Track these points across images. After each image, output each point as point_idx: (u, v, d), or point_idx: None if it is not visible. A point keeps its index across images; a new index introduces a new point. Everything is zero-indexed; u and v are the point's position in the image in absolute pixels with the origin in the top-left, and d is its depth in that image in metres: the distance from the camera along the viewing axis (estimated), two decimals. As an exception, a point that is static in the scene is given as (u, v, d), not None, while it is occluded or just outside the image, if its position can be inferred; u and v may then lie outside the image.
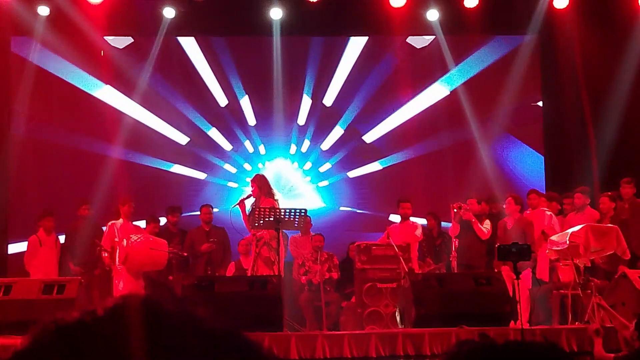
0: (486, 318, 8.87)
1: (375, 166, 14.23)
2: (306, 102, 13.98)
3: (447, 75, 14.20)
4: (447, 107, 14.21)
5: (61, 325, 1.30)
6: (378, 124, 14.25)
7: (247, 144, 14.00)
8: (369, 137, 14.25)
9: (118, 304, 1.31)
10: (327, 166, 14.17)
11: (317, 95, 14.00)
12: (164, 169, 13.70)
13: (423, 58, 14.31)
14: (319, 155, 14.14)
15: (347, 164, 14.25)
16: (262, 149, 14.04)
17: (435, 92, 14.39)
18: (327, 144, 14.11)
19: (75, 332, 1.28)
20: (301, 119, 14.04)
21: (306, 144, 14.07)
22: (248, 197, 10.14)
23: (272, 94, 13.69)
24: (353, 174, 14.24)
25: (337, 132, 14.05)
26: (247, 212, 10.06)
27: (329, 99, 14.02)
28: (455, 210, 11.13)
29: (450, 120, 14.11)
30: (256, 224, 11.21)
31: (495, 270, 10.54)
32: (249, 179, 10.35)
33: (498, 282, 9.59)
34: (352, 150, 14.20)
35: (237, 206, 10.12)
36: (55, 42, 13.65)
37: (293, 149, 14.10)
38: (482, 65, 14.24)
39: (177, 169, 13.78)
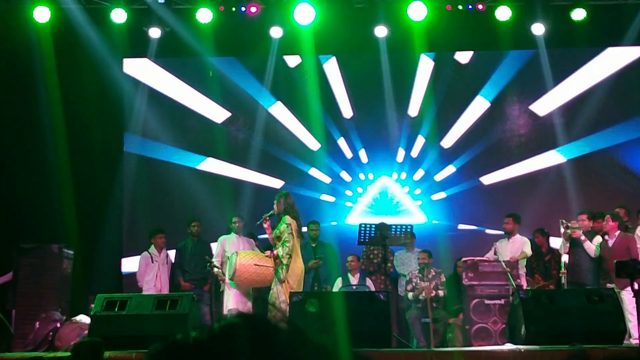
0: (599, 336, 8.61)
1: (485, 180, 14.26)
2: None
3: (552, 89, 14.05)
4: (559, 121, 14.05)
5: (176, 344, 1.35)
6: (472, 145, 14.38)
7: (361, 175, 14.52)
8: (461, 159, 14.40)
9: (230, 323, 1.36)
10: (424, 187, 14.52)
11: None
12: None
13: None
14: (414, 182, 14.45)
15: (451, 181, 14.32)
16: (370, 175, 14.51)
17: (540, 108, 14.26)
18: (417, 175, 14.49)
19: (190, 352, 1.33)
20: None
21: (404, 174, 14.45)
22: (272, 214, 10.08)
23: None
24: (453, 190, 14.28)
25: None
26: (271, 229, 10.03)
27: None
28: (563, 229, 10.92)
29: (563, 135, 13.95)
30: (362, 240, 11.28)
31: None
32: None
33: (611, 300, 9.33)
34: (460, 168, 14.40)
35: (262, 223, 10.09)
36: (167, 62, 14.09)
37: (395, 175, 14.42)
38: (591, 78, 14.02)
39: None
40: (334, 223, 13.99)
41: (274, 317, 1.40)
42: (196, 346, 1.33)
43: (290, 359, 1.31)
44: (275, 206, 9.98)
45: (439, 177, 14.41)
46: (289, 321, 1.37)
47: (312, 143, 14.45)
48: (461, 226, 14.16)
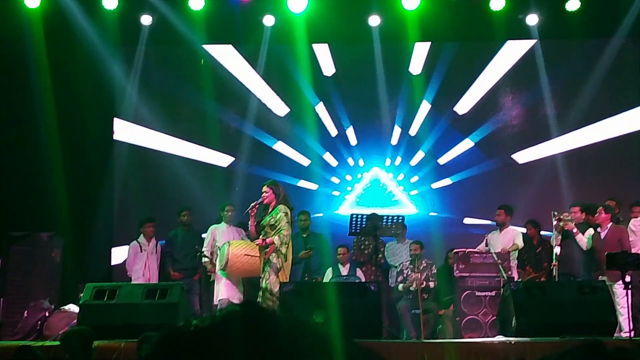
0: (590, 328, 8.62)
1: (472, 171, 14.09)
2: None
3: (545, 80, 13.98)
4: (551, 112, 13.99)
5: (178, 332, 1.34)
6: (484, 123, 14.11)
7: (349, 160, 14.15)
8: (476, 137, 14.11)
9: (232, 312, 1.34)
10: (416, 177, 14.14)
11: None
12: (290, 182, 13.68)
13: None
14: (410, 168, 14.11)
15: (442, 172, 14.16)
16: (361, 162, 14.15)
17: (530, 99, 14.19)
18: (415, 160, 14.12)
19: (191, 340, 1.31)
20: (394, 140, 14.10)
21: (398, 159, 14.10)
22: (260, 202, 9.80)
23: (371, 121, 14.11)
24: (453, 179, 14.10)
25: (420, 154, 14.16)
26: (255, 219, 9.80)
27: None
28: (555, 221, 10.91)
29: (556, 127, 13.89)
30: (353, 230, 11.24)
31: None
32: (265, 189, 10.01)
33: (602, 292, 9.35)
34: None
35: (249, 211, 9.81)
36: (158, 50, 14.00)
37: (388, 162, 14.12)
38: (580, 69, 13.93)
39: (302, 183, 14.01)
40: (320, 214, 13.63)
41: (269, 304, 1.39)
42: (197, 334, 1.33)
43: (290, 348, 1.32)
44: (266, 194, 9.80)
45: (444, 159, 14.00)
46: (289, 311, 1.37)
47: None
48: (467, 220, 13.85)
